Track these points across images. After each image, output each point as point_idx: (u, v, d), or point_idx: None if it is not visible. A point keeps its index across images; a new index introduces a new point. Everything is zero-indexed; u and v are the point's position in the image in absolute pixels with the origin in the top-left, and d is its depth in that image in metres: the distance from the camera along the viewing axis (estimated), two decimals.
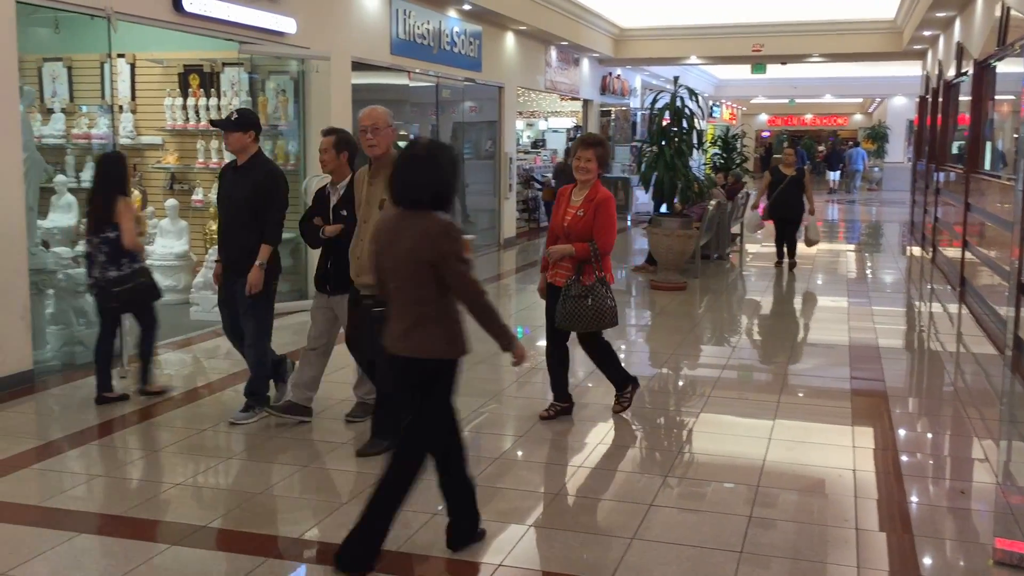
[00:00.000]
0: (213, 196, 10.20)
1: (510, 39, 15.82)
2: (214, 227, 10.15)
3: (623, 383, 6.19)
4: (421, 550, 4.15)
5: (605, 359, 6.13)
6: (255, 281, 5.73)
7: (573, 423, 6.05)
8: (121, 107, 9.84)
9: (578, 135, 20.10)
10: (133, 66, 10.19)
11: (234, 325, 6.01)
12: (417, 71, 12.78)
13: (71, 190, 9.68)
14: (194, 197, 10.33)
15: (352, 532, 3.84)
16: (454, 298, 3.80)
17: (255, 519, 4.49)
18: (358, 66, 11.02)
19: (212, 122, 6.02)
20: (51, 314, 7.34)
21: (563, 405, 6.09)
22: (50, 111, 9.98)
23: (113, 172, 6.28)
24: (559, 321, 5.76)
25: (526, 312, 10.46)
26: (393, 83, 12.73)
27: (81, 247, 9.24)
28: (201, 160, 10.11)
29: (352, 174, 5.67)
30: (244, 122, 5.73)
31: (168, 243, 9.93)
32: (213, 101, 10.00)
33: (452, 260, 3.70)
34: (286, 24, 9.36)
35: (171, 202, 10.01)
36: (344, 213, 5.62)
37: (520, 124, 18.36)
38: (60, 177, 9.37)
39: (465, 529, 4.14)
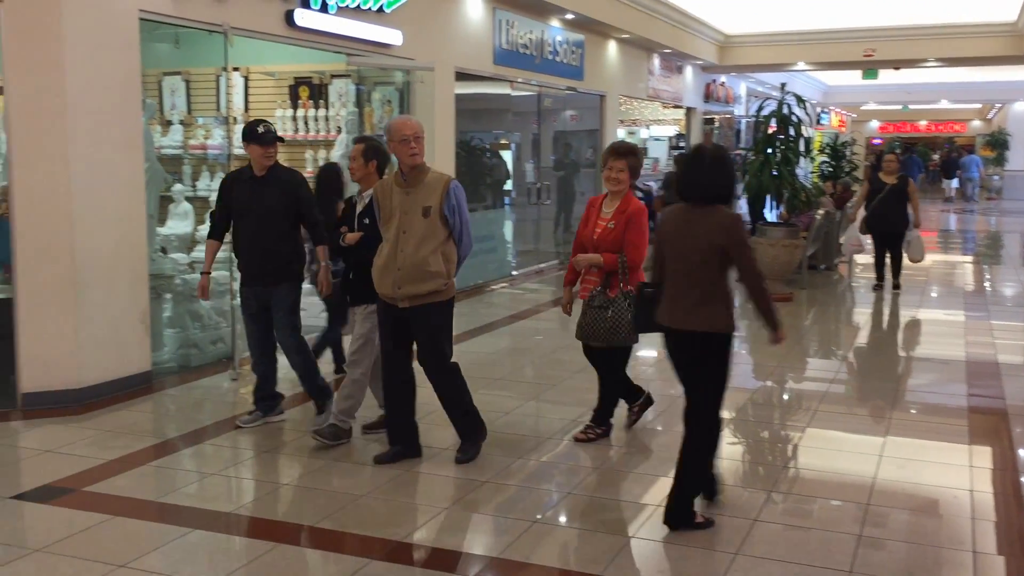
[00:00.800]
0: None
1: (612, 47, 15.78)
2: None
3: (606, 418, 5.84)
4: (523, 557, 4.15)
5: (614, 382, 5.80)
6: (325, 282, 5.91)
7: (674, 435, 5.96)
8: (235, 118, 10.19)
9: (681, 143, 19.97)
10: (247, 79, 10.54)
11: (263, 338, 5.96)
12: (519, 80, 12.86)
13: (188, 198, 10.08)
14: None
15: (671, 493, 4.43)
16: (731, 280, 4.35)
17: (359, 521, 4.57)
18: (461, 76, 11.16)
19: (258, 136, 5.79)
20: (168, 318, 7.64)
21: (600, 430, 5.81)
22: (169, 123, 10.41)
23: (331, 181, 7.05)
24: (578, 333, 5.61)
25: None
26: (495, 92, 12.84)
27: (197, 254, 9.61)
28: (310, 170, 10.36)
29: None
30: (279, 136, 5.96)
31: None
32: (322, 112, 10.26)
33: (743, 247, 4.31)
34: (393, 36, 9.55)
35: None
36: (367, 222, 5.49)
37: (621, 132, 18.25)
38: (177, 186, 9.75)
39: (681, 509, 4.42)
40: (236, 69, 10.14)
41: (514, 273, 12.91)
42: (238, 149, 10.05)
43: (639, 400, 6.01)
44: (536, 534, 4.40)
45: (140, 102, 7.00)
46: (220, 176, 10.16)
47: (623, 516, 4.66)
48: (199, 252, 9.72)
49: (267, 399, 6.08)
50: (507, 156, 13.60)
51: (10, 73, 6.17)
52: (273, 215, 5.78)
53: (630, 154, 5.56)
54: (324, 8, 8.56)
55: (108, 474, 5.14)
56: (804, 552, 4.20)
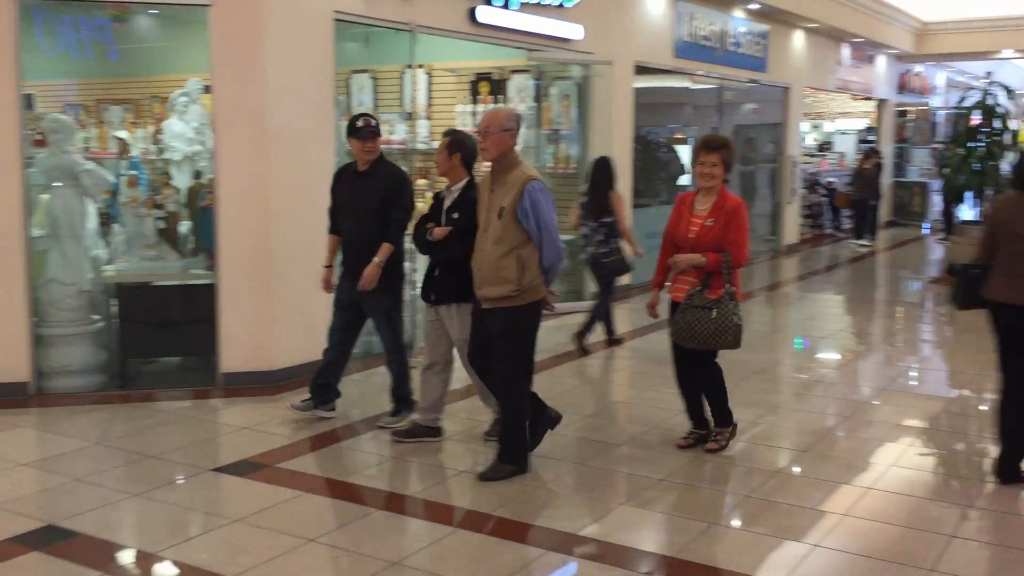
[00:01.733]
0: None
1: (799, 38, 15.20)
2: None
3: (726, 420, 5.50)
4: (699, 559, 4.07)
5: (715, 388, 5.46)
6: (370, 277, 5.59)
7: (859, 441, 5.70)
8: (418, 114, 10.50)
9: (870, 137, 19.01)
10: (429, 75, 10.84)
11: (345, 327, 5.95)
12: (700, 73, 12.61)
13: None
14: None
15: (1000, 456, 4.94)
16: None
17: (534, 511, 4.62)
18: (640, 70, 11.04)
19: (356, 130, 5.72)
20: None
21: (701, 432, 5.54)
22: None
23: (606, 172, 7.85)
24: (675, 333, 5.32)
25: (809, 323, 10.00)
26: (674, 86, 12.64)
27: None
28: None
29: (469, 177, 5.43)
30: (379, 129, 5.83)
31: None
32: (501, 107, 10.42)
33: None
34: (573, 31, 9.56)
35: None
36: (456, 216, 5.29)
37: (804, 126, 17.58)
38: None
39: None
40: (420, 66, 10.44)
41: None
42: (421, 144, 10.39)
43: (730, 426, 5.52)
44: (713, 536, 4.31)
45: (333, 99, 7.32)
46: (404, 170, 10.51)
47: (805, 523, 4.48)
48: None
49: (321, 388, 5.98)
50: (684, 151, 13.37)
51: (217, 74, 6.59)
52: (369, 212, 5.68)
53: (723, 147, 5.26)
54: (506, 5, 8.68)
55: (298, 452, 5.42)
56: (1008, 575, 3.91)
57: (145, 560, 4.07)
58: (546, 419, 5.33)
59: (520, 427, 5.08)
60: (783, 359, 8.13)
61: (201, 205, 7.10)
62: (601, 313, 8.12)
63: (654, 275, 5.51)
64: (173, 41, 9.04)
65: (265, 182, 6.67)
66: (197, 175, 7.55)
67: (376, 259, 5.60)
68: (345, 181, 5.88)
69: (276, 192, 6.71)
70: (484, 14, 8.40)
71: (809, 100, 17.05)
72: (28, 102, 6.53)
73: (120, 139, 7.94)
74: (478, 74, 10.65)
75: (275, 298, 6.75)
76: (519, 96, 10.36)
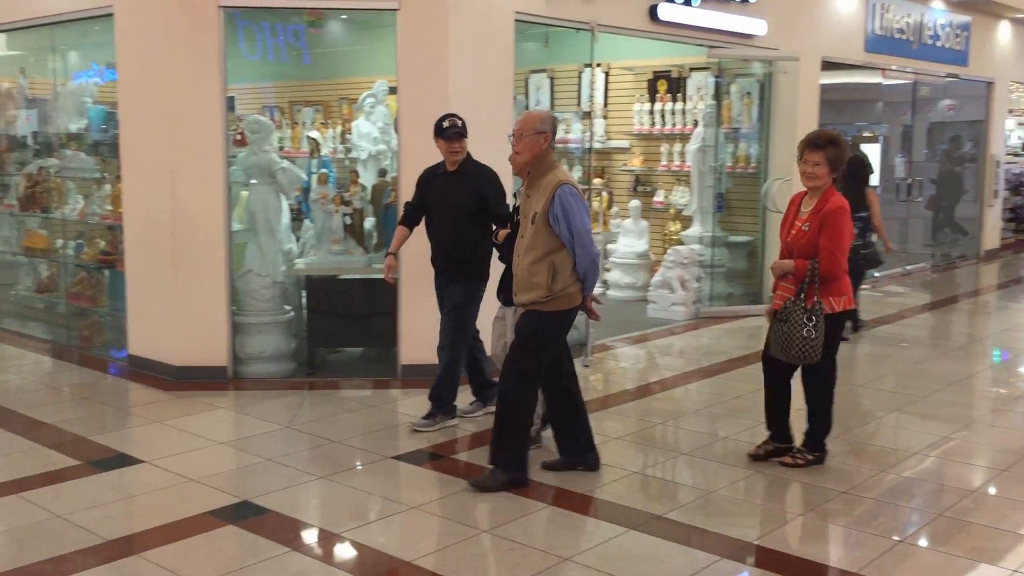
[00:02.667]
0: (674, 198, 10.53)
1: (1005, 29, 14.19)
2: (672, 228, 10.45)
3: (816, 446, 5.16)
4: None
5: (820, 403, 5.12)
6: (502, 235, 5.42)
7: None
8: (595, 113, 10.51)
9: None
10: (607, 74, 10.83)
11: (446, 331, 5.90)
12: (893, 68, 11.98)
13: None
14: (656, 199, 10.71)
15: None
16: None
17: (711, 517, 4.52)
18: (827, 65, 10.61)
19: (442, 131, 5.71)
20: None
21: (778, 445, 5.21)
22: None
23: (861, 169, 8.21)
24: (770, 345, 5.04)
25: (1009, 334, 9.32)
26: (863, 82, 12.07)
27: None
28: (664, 163, 10.45)
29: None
30: (465, 130, 5.71)
31: (630, 242, 10.39)
32: (679, 105, 10.29)
33: None
34: (757, 26, 9.30)
35: (634, 203, 10.47)
36: (518, 219, 5.19)
37: (1010, 123, 16.38)
38: None
39: None
40: (598, 65, 10.44)
41: (875, 275, 12.07)
42: (597, 143, 10.39)
43: (817, 453, 5.17)
44: (900, 554, 4.08)
45: (513, 99, 7.43)
46: (578, 169, 10.55)
47: (1002, 546, 4.17)
48: None
49: (485, 387, 6.07)
50: (872, 149, 12.75)
51: (403, 75, 6.81)
52: (457, 212, 5.67)
53: (829, 144, 4.88)
54: (688, 1, 8.54)
55: (473, 445, 5.54)
56: None
57: (328, 539, 4.27)
58: (588, 456, 5.12)
59: (516, 433, 4.84)
60: (980, 371, 7.61)
61: (385, 202, 7.38)
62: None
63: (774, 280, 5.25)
64: (361, 45, 9.44)
65: None
66: (382, 173, 7.85)
67: (499, 238, 5.42)
68: (434, 182, 5.85)
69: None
70: (666, 11, 8.30)
71: (1016, 95, 15.89)
72: (230, 104, 6.97)
73: (312, 139, 8.37)
74: (656, 72, 10.56)
75: None
76: (698, 94, 10.19)
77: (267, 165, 7.09)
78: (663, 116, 10.40)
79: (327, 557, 4.12)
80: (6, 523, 4.37)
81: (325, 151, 8.25)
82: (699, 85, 10.20)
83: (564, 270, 4.70)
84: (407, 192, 6.84)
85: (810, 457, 5.13)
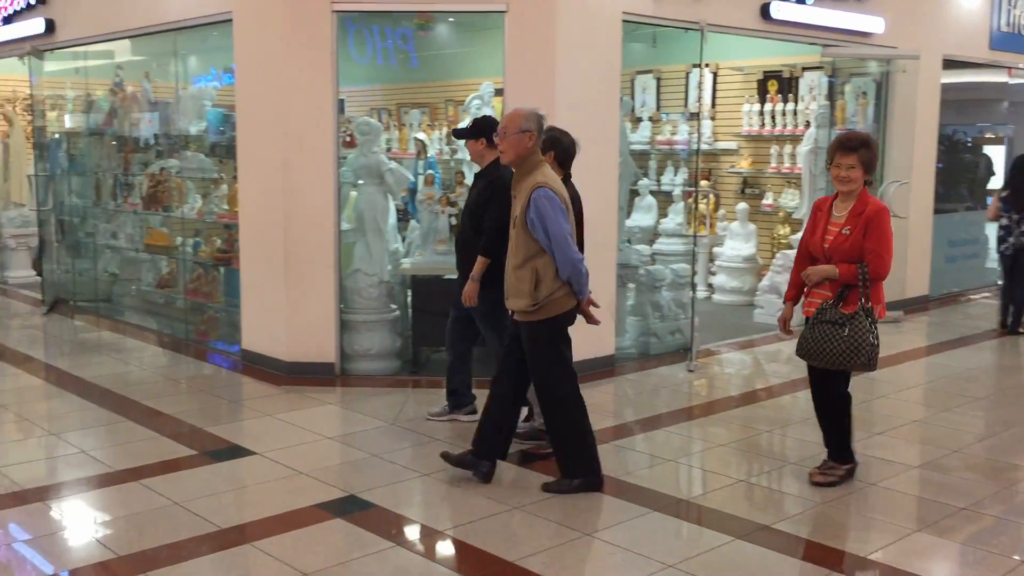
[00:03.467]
0: (783, 201, 10.29)
1: None
2: (781, 231, 10.22)
3: (844, 456, 4.93)
4: None
5: (837, 416, 4.91)
6: (469, 294, 5.31)
7: None
8: (702, 114, 10.36)
9: None
10: (715, 74, 10.65)
11: (451, 331, 5.88)
12: (1020, 67, 11.43)
13: (652, 192, 10.48)
14: (764, 201, 10.48)
15: None
16: None
17: (817, 528, 4.40)
18: (948, 64, 10.19)
19: (453, 132, 5.54)
20: (631, 306, 7.99)
21: (846, 467, 4.95)
22: (639, 119, 10.88)
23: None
24: (800, 349, 4.79)
25: None
26: (987, 81, 11.56)
27: (659, 245, 9.94)
28: (773, 165, 10.22)
29: (561, 175, 5.08)
30: (476, 130, 5.57)
31: (736, 246, 10.20)
32: (790, 106, 10.04)
33: None
34: (873, 24, 9.00)
35: (742, 206, 10.27)
36: None
37: None
38: (644, 180, 10.19)
39: None
40: (706, 65, 10.29)
41: (999, 282, 11.53)
42: (704, 145, 10.24)
43: (850, 463, 4.97)
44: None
45: (618, 100, 7.38)
46: (684, 171, 10.43)
47: None
48: (661, 244, 10.08)
49: (452, 394, 5.97)
50: (996, 151, 12.21)
51: (509, 77, 6.84)
52: (468, 214, 5.60)
53: (862, 147, 4.69)
54: None
55: None
56: None
57: (430, 536, 4.31)
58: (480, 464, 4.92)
59: (572, 438, 4.78)
60: None
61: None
62: (1019, 299, 8.88)
63: (787, 288, 5.07)
64: (467, 47, 9.53)
65: None
66: None
67: (472, 274, 5.31)
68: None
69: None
70: (778, 10, 8.11)
71: None
72: (340, 106, 7.12)
73: (419, 140, 8.49)
74: (766, 72, 10.34)
75: None
76: (811, 94, 9.94)
77: (376, 166, 7.22)
78: (773, 117, 10.17)
79: (430, 554, 4.16)
80: (127, 508, 4.56)
81: (431, 152, 8.36)
82: (811, 85, 9.95)
83: (547, 276, 4.60)
84: None
85: (841, 472, 4.94)
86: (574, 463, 4.80)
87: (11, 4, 10.37)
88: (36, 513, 4.52)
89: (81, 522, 4.45)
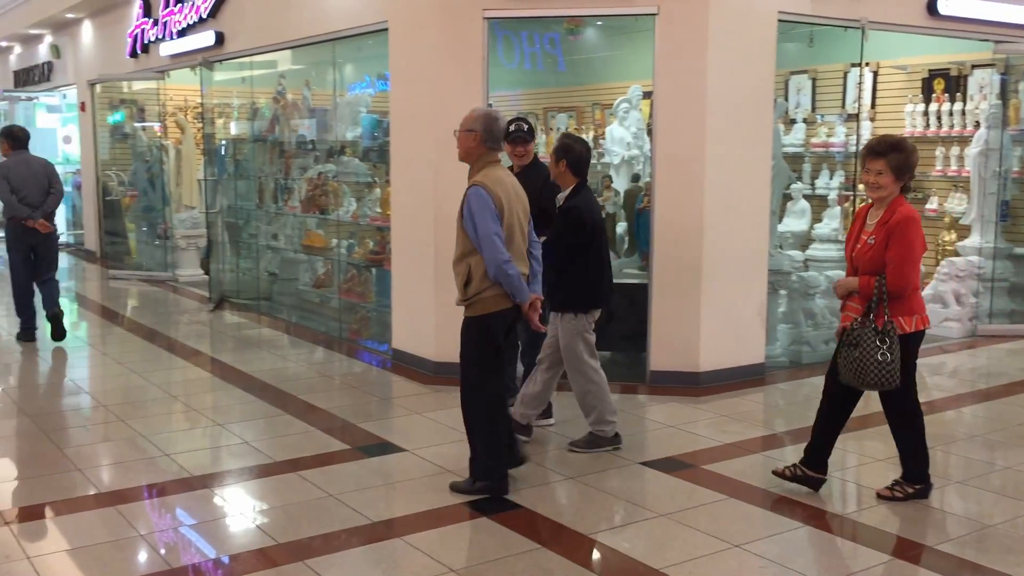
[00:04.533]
0: (949, 205, 9.77)
1: None
2: (947, 238, 9.70)
3: (915, 478, 4.71)
4: None
5: (904, 435, 4.71)
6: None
7: None
8: (862, 115, 9.94)
9: None
10: (875, 74, 10.21)
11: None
12: None
13: (805, 196, 10.13)
14: (928, 206, 9.97)
15: None
16: None
17: (984, 552, 4.14)
18: None
19: (508, 134, 5.61)
20: (783, 313, 7.76)
21: (811, 474, 4.79)
22: (792, 121, 10.55)
23: None
24: (838, 371, 4.63)
25: None
26: None
27: (812, 251, 9.61)
28: (939, 168, 9.70)
29: (575, 183, 5.26)
30: (531, 134, 5.81)
31: None
32: (957, 106, 9.52)
33: None
34: None
35: None
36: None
37: None
38: (797, 184, 9.86)
39: None
40: (865, 64, 9.88)
41: None
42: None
43: (918, 486, 4.72)
44: None
45: (772, 102, 7.18)
46: (840, 175, 10.04)
47: None
48: (814, 250, 9.75)
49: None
50: None
51: (659, 80, 6.77)
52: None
53: (893, 151, 4.46)
54: None
55: (723, 456, 5.40)
56: None
57: (575, 540, 4.30)
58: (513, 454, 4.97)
59: (480, 440, 4.76)
60: None
61: (638, 208, 7.36)
62: None
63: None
64: (615, 50, 9.48)
65: (700, 186, 6.73)
66: (635, 178, 7.85)
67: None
68: None
69: (710, 196, 6.74)
70: (947, 5, 7.72)
71: None
72: None
73: None
74: (932, 70, 9.83)
75: (704, 301, 6.78)
76: (980, 93, 9.39)
77: None
78: (939, 117, 9.66)
79: (575, 556, 4.15)
80: (283, 498, 4.76)
81: None
82: (982, 83, 9.39)
83: (477, 274, 4.59)
84: (661, 197, 6.81)
85: (910, 490, 4.72)
86: (478, 465, 4.80)
87: (184, 19, 11.04)
88: (201, 499, 4.78)
89: (243, 509, 4.67)
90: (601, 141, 8.53)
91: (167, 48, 11.57)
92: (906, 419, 4.71)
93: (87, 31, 14.72)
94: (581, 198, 5.30)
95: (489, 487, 4.75)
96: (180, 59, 11.36)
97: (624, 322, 7.21)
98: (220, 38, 10.33)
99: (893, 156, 4.48)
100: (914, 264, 4.46)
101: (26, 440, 5.73)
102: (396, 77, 7.59)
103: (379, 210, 8.38)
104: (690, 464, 5.24)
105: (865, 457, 5.47)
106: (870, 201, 4.66)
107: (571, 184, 5.32)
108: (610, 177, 7.97)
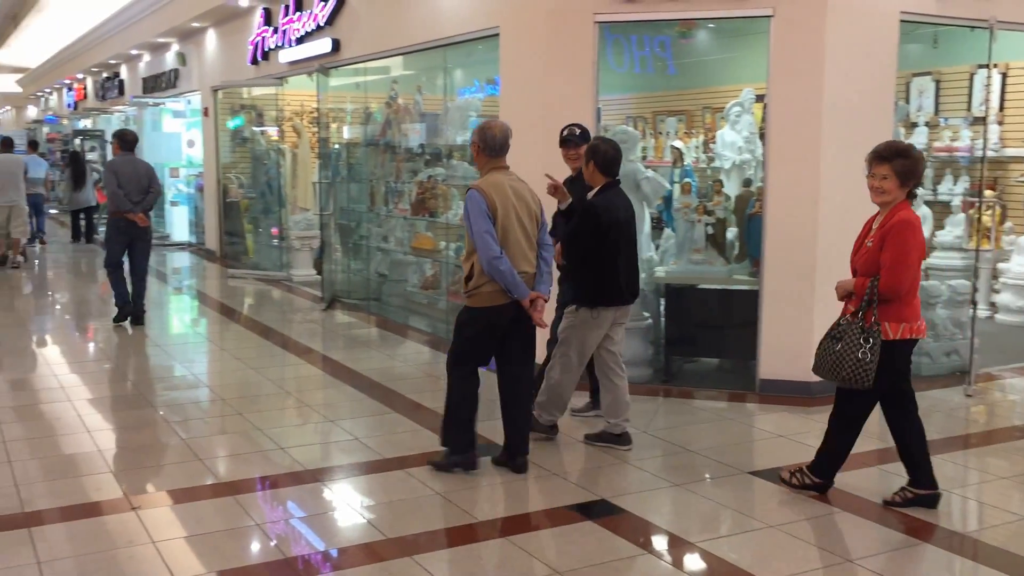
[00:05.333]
0: None
1: None
2: None
3: (920, 482, 4.65)
4: None
5: (902, 436, 4.74)
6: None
7: None
8: (989, 118, 9.53)
9: None
10: (1004, 76, 9.77)
11: None
12: None
13: (926, 202, 9.76)
14: None
15: None
16: None
17: None
18: None
19: (561, 139, 6.07)
20: None
21: (813, 479, 4.82)
22: (914, 125, 10.19)
23: None
24: (816, 364, 4.73)
25: None
26: None
27: (932, 260, 9.28)
28: None
29: (605, 182, 5.48)
30: (583, 138, 5.95)
31: None
32: None
33: None
34: None
35: None
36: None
37: None
38: (918, 190, 9.49)
39: None
40: (995, 65, 9.47)
41: None
42: (990, 151, 9.42)
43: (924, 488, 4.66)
44: None
45: (892, 105, 6.95)
46: (965, 180, 9.66)
47: None
48: (935, 258, 9.40)
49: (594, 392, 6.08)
50: None
51: (774, 83, 6.63)
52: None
53: (898, 156, 4.49)
54: None
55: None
56: None
57: (680, 547, 4.25)
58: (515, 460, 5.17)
59: (451, 413, 5.09)
60: None
61: (749, 213, 7.23)
62: None
63: None
64: (726, 53, 9.33)
65: (814, 191, 6.57)
66: (747, 183, 7.71)
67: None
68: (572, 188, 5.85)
69: (825, 201, 6.57)
70: None
71: None
72: (596, 115, 7.20)
73: (675, 148, 8.42)
74: None
75: (817, 309, 6.59)
76: None
77: (632, 174, 7.22)
78: None
79: (679, 564, 4.10)
80: (391, 495, 4.85)
81: (688, 161, 8.27)
82: None
83: (478, 269, 4.92)
84: (773, 202, 6.67)
85: (910, 495, 4.69)
86: (447, 434, 5.14)
87: (303, 27, 11.39)
88: (312, 492, 4.91)
89: (352, 504, 4.78)
90: (712, 145, 8.40)
91: (286, 55, 11.96)
92: (847, 424, 4.77)
93: (211, 39, 15.34)
94: (603, 196, 5.45)
95: (460, 460, 5.09)
96: (298, 65, 11.72)
97: (733, 329, 7.10)
98: (336, 45, 10.61)
99: (899, 161, 4.50)
100: (907, 267, 4.45)
101: (152, 430, 6.00)
102: (506, 81, 7.65)
103: None
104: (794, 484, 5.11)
105: (988, 474, 5.24)
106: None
107: (600, 183, 5.49)
108: (720, 182, 7.84)
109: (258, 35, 13.01)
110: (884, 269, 4.44)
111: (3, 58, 31.27)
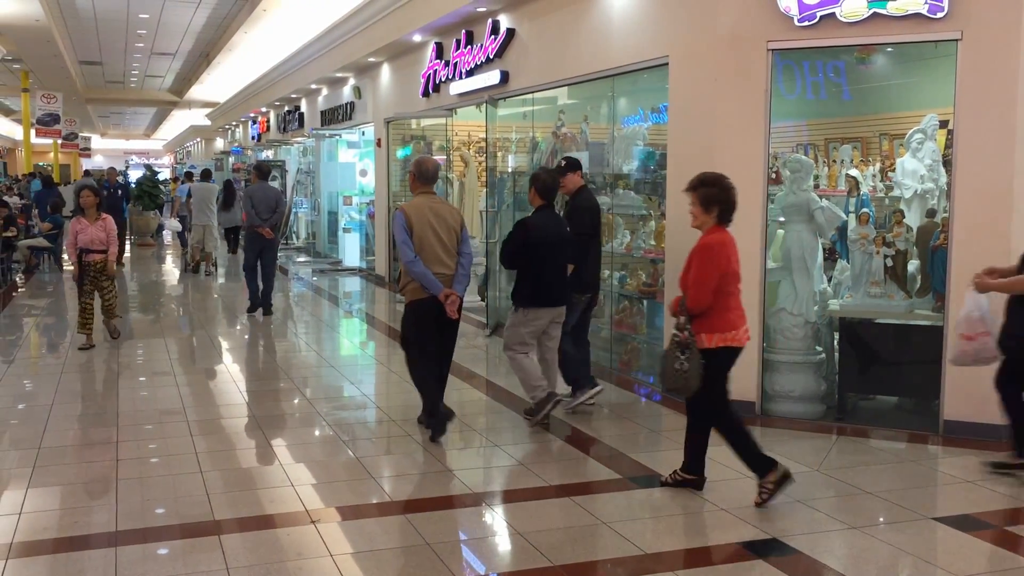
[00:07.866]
0: None
1: None
2: None
3: (759, 467, 5.07)
4: None
5: (729, 439, 5.18)
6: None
7: None
8: None
9: None
10: None
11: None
12: None
13: None
14: None
15: None
16: None
17: None
18: None
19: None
20: None
21: (687, 476, 5.29)
22: None
23: None
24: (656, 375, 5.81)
25: None
26: None
27: None
28: None
29: (540, 203, 6.75)
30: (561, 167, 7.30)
31: None
32: None
33: None
34: None
35: None
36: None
37: None
38: None
39: None
40: None
41: None
42: None
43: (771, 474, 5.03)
44: None
45: None
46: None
47: None
48: None
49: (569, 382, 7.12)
50: None
51: (962, 107, 6.30)
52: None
53: (700, 186, 5.08)
54: None
55: None
56: None
57: None
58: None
59: (419, 387, 6.49)
60: None
61: (933, 245, 6.88)
62: None
63: None
64: (907, 77, 8.94)
65: (1007, 223, 6.19)
66: (931, 214, 7.34)
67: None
68: None
69: (1017, 235, 6.16)
70: None
71: None
72: (767, 142, 7.02)
73: (851, 177, 8.11)
74: None
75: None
76: None
77: (806, 204, 7.04)
78: None
79: None
80: (557, 522, 4.86)
81: (864, 189, 7.95)
82: None
83: (404, 270, 6.24)
84: (959, 235, 6.33)
85: (678, 477, 5.31)
86: (423, 401, 6.46)
87: (473, 60, 11.71)
88: (479, 515, 4.99)
89: (518, 528, 4.81)
90: (890, 174, 8.05)
91: (456, 87, 12.32)
92: (705, 421, 5.26)
93: (385, 73, 16.00)
94: (536, 216, 6.65)
95: (423, 419, 6.48)
96: (467, 97, 12.05)
97: (914, 366, 6.75)
98: (505, 76, 10.85)
99: (702, 190, 5.08)
100: (703, 285, 4.95)
101: (326, 447, 6.26)
102: (675, 110, 7.61)
103: (652, 243, 8.40)
104: (990, 524, 4.80)
105: None
106: None
107: (538, 204, 6.69)
108: (902, 211, 7.50)
109: (430, 68, 13.47)
110: (688, 289, 5.05)
111: (196, 93, 33.72)
